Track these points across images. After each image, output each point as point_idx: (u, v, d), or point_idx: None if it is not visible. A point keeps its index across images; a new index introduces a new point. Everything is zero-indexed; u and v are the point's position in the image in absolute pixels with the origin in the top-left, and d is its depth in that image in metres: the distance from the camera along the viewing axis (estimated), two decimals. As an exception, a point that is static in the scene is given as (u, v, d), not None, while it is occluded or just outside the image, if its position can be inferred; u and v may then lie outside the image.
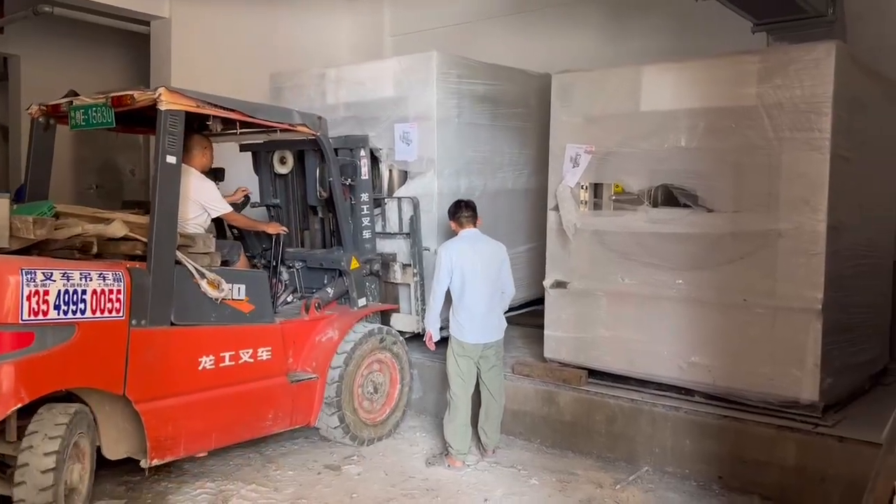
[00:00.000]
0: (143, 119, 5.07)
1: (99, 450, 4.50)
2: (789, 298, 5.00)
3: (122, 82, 10.34)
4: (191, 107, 4.75)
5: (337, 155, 6.08)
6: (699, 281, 5.34)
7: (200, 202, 5.40)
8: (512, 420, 5.89)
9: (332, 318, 5.78)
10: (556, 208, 5.96)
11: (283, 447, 5.67)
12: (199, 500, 4.72)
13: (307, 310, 5.65)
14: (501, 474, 5.28)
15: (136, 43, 9.79)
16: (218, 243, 5.57)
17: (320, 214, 6.56)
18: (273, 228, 6.04)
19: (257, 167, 6.77)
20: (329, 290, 5.92)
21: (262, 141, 6.39)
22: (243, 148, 6.73)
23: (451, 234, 5.58)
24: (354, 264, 5.95)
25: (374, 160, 6.87)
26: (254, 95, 5.65)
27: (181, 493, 4.79)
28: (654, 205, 5.55)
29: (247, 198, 6.42)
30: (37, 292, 3.93)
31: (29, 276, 3.91)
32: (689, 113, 5.33)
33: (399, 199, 6.81)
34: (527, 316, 7.47)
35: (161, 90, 4.59)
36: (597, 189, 5.85)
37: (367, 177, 6.28)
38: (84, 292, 4.14)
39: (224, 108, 5.01)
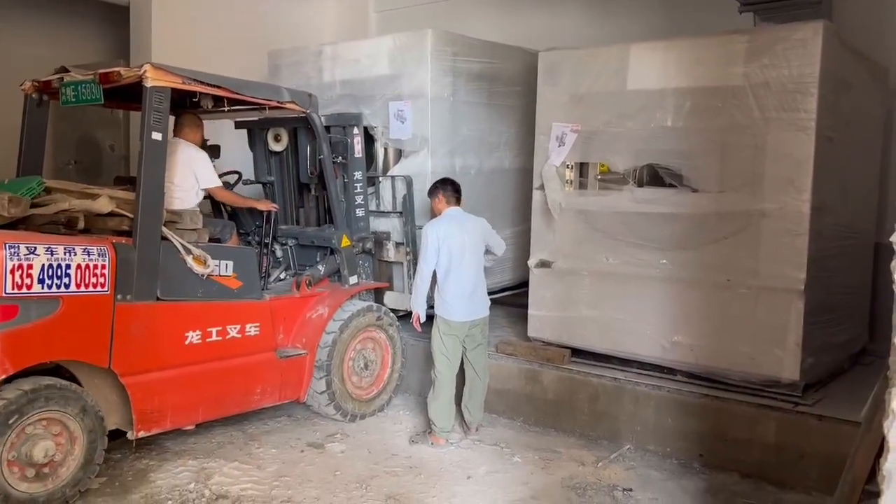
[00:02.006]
0: (128, 94, 5.08)
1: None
2: (772, 278, 5.01)
3: (102, 56, 10.16)
4: (176, 83, 4.77)
5: (330, 133, 6.09)
6: (683, 260, 5.34)
7: (193, 171, 5.47)
8: (495, 398, 5.93)
9: (322, 296, 5.82)
10: (542, 188, 5.96)
11: (266, 425, 5.69)
12: (180, 478, 4.72)
13: (298, 287, 5.70)
14: (484, 452, 5.31)
15: (116, 17, 9.54)
16: (211, 222, 5.65)
17: (314, 192, 6.58)
18: (264, 205, 6.06)
19: (252, 144, 6.79)
20: (320, 267, 5.96)
21: (256, 118, 6.42)
22: (239, 125, 6.75)
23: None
24: (345, 242, 5.98)
25: (370, 138, 6.89)
26: (237, 72, 5.62)
27: (163, 471, 4.80)
28: (640, 184, 5.53)
29: (238, 174, 6.46)
30: (20, 266, 4.01)
31: (12, 250, 4.00)
32: (676, 92, 5.30)
33: (393, 177, 6.83)
34: (511, 296, 7.49)
35: (147, 66, 4.61)
36: (582, 168, 5.83)
37: (359, 155, 6.27)
38: (68, 267, 4.21)
39: (211, 85, 5.01)
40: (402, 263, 6.74)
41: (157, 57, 7.60)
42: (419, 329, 5.51)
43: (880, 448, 2.33)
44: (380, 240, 6.67)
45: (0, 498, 3.96)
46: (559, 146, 5.78)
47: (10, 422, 4.02)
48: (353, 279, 6.02)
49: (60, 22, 10.23)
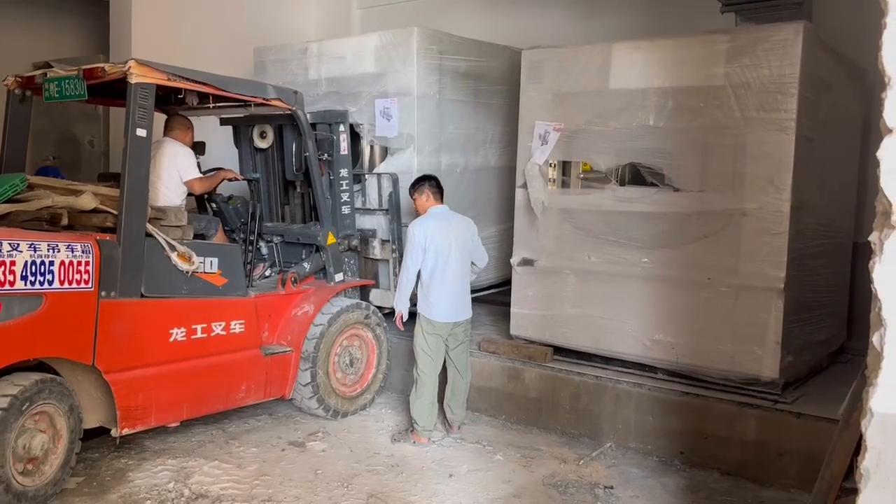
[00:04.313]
0: (111, 90, 5.08)
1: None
2: (752, 277, 5.05)
3: (81, 50, 10.08)
4: (161, 80, 4.76)
5: (315, 130, 6.09)
6: (664, 259, 5.38)
7: (177, 168, 5.49)
8: (477, 396, 5.95)
9: (308, 293, 5.82)
10: (525, 186, 5.98)
11: (247, 424, 5.67)
12: (159, 477, 4.69)
13: (283, 284, 5.70)
14: (466, 450, 5.32)
15: (95, 9, 9.50)
16: (196, 218, 5.65)
17: (300, 189, 6.58)
18: (229, 175, 6.10)
19: (237, 141, 6.78)
20: (306, 264, 5.96)
21: (241, 115, 6.41)
22: (224, 122, 6.75)
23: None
24: (331, 239, 5.99)
25: (356, 136, 6.90)
26: (220, 68, 5.60)
27: (142, 470, 4.77)
28: (622, 183, 5.56)
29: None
30: (3, 263, 3.99)
31: (-5, 247, 3.98)
32: (658, 92, 5.33)
33: (378, 175, 6.83)
34: (494, 294, 7.51)
35: (131, 63, 4.60)
36: (565, 167, 5.86)
37: (345, 152, 6.28)
38: (52, 263, 4.20)
39: (196, 82, 5.01)
40: (387, 261, 6.74)
41: (138, 52, 7.53)
42: (401, 328, 5.51)
43: (858, 445, 2.37)
44: (365, 237, 6.67)
45: (2, 488, 3.97)
46: (542, 145, 5.80)
47: (24, 408, 4.08)
48: (339, 276, 6.02)
49: (37, 14, 10.11)
